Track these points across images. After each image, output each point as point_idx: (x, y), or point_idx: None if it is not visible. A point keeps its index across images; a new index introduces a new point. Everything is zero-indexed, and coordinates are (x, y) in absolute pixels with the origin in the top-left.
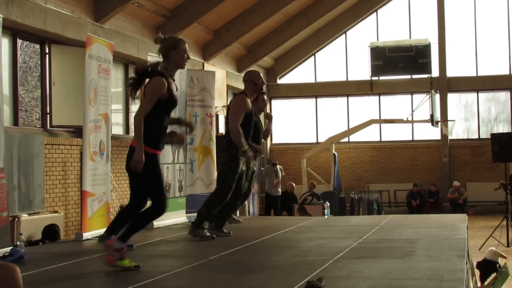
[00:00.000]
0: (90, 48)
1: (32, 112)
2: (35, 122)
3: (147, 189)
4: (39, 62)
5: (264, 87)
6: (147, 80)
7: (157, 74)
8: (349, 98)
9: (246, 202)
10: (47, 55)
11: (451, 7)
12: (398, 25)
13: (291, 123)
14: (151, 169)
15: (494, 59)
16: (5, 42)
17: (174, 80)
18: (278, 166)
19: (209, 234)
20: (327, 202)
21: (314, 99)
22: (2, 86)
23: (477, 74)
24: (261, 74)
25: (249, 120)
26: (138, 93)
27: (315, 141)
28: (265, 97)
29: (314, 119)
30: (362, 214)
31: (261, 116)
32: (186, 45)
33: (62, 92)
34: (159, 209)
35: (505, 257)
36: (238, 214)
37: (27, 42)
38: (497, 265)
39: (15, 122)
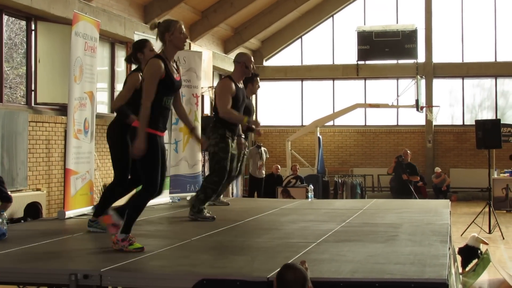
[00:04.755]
0: (77, 26)
1: (16, 89)
2: (19, 99)
3: (140, 170)
4: (24, 39)
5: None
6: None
7: (154, 57)
8: (335, 81)
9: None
10: (33, 32)
11: None
12: (385, 10)
13: (277, 105)
14: (147, 150)
15: (480, 46)
16: None
17: (175, 62)
18: (262, 148)
19: (209, 215)
20: (311, 185)
21: (300, 82)
22: None
23: (463, 60)
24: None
25: (235, 103)
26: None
27: (300, 124)
28: (258, 79)
29: (299, 102)
30: (345, 197)
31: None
32: (181, 25)
33: (47, 69)
34: (149, 192)
35: (486, 244)
36: (222, 196)
37: (13, 19)
38: (479, 251)
39: None
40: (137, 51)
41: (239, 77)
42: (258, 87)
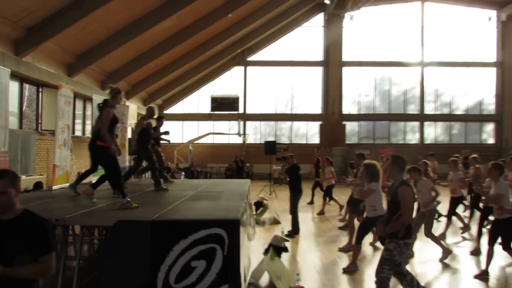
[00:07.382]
0: (61, 90)
1: (32, 122)
2: (33, 127)
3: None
4: (35, 96)
5: (160, 114)
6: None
7: (108, 106)
8: (199, 122)
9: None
10: (40, 93)
11: (251, 76)
12: (225, 86)
13: (171, 133)
14: (110, 155)
15: (270, 103)
16: (16, 84)
17: (116, 109)
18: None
19: (164, 187)
20: (183, 172)
21: (182, 122)
22: (8, 108)
23: (261, 112)
24: (155, 110)
25: (147, 132)
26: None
27: (181, 142)
28: (164, 120)
29: (181, 131)
30: (202, 178)
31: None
32: (122, 92)
33: (47, 112)
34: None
35: (267, 200)
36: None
37: (30, 85)
38: (263, 203)
39: (20, 126)
40: (117, 94)
41: (148, 117)
42: (163, 123)
